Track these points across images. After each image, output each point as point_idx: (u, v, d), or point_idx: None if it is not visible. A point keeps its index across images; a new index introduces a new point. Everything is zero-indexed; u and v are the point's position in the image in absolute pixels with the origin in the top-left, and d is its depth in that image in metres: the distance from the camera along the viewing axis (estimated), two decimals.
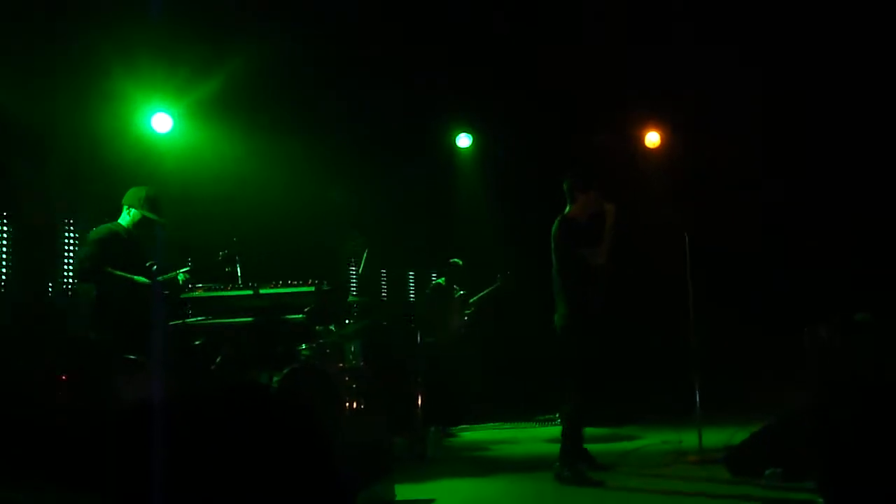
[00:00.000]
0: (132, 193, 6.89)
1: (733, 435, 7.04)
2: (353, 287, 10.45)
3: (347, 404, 7.66)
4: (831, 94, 10.56)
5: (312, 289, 6.94)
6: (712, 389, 7.95)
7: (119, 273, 6.56)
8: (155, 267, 6.91)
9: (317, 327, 7.81)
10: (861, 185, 10.82)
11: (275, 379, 6.89)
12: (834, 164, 10.91)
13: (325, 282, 7.12)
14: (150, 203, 6.87)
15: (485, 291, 10.92)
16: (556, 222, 7.04)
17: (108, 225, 6.82)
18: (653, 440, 8.38)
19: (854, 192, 10.87)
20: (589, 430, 8.14)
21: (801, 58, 10.36)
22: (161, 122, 9.44)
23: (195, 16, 8.65)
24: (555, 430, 8.37)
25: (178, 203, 8.98)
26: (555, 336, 6.98)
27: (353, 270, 11.04)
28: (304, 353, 7.69)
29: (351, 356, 8.36)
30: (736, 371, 10.34)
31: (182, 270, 7.09)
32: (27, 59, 7.89)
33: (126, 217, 6.86)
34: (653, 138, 12.06)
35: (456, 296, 10.74)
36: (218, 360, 7.09)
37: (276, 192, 9.74)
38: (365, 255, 9.07)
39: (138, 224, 6.86)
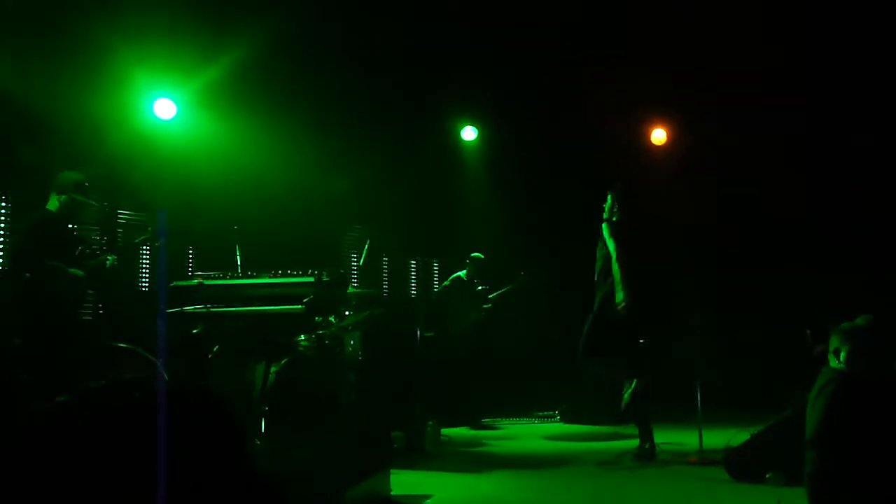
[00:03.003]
0: (61, 178, 6.84)
1: (733, 436, 6.98)
2: (354, 278, 10.40)
3: (345, 396, 7.61)
4: (840, 89, 10.46)
5: (312, 279, 6.88)
6: (714, 389, 7.90)
7: (54, 263, 6.52)
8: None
9: (316, 318, 7.75)
10: (869, 185, 10.74)
11: (273, 369, 6.83)
12: (842, 162, 10.83)
13: (325, 272, 7.06)
14: (79, 187, 6.84)
15: (505, 288, 10.88)
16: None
17: (40, 211, 6.79)
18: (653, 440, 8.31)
19: (861, 192, 10.79)
20: (591, 429, 8.11)
21: (806, 54, 10.27)
22: (164, 107, 9.34)
23: None
24: (552, 427, 8.34)
25: (180, 190, 8.95)
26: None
27: (354, 261, 11.01)
28: (302, 344, 7.63)
29: (350, 348, 8.31)
30: (739, 370, 10.28)
31: (111, 257, 7.06)
32: (29, 39, 7.82)
33: (55, 202, 6.81)
34: (659, 135, 11.99)
35: (476, 290, 10.72)
36: (215, 349, 7.03)
37: (279, 181, 9.66)
38: (367, 246, 9.01)
39: (68, 209, 6.83)
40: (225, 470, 2.76)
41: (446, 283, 10.96)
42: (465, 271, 10.79)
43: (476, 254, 10.77)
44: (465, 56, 10.44)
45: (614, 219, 7.87)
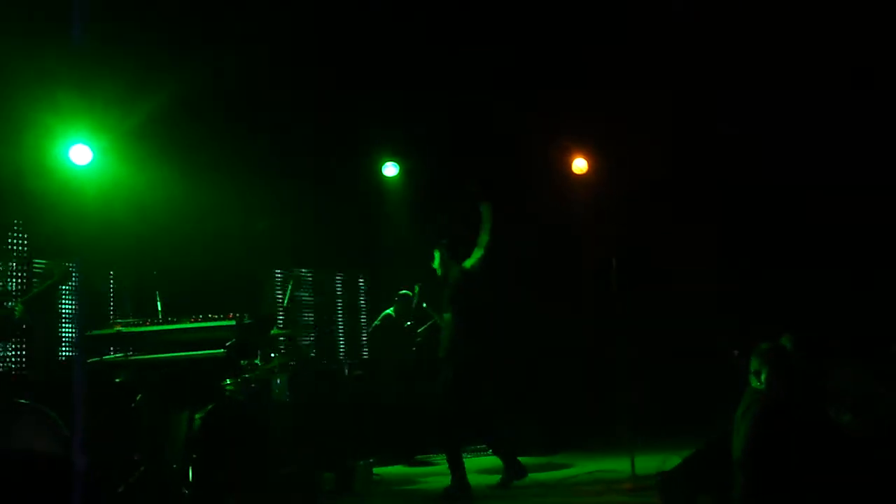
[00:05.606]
0: None
1: (665, 461, 7.00)
2: (280, 319, 10.28)
3: (274, 439, 7.49)
4: (760, 115, 10.65)
5: (234, 322, 6.79)
6: (644, 414, 7.94)
7: None
8: None
9: (242, 361, 7.63)
10: (788, 205, 10.91)
11: (197, 416, 6.70)
12: (759, 184, 11.01)
13: (247, 315, 6.98)
14: None
15: (430, 322, 10.85)
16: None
17: None
18: (586, 468, 8.30)
19: (783, 212, 10.96)
20: (525, 460, 8.09)
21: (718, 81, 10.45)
22: (80, 153, 9.16)
23: (116, 47, 8.47)
24: (487, 461, 8.29)
25: (97, 237, 8.78)
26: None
27: (279, 303, 10.89)
28: (228, 388, 7.50)
29: (277, 390, 8.19)
30: (668, 395, 10.34)
31: (20, 302, 6.93)
32: None
33: None
34: (580, 164, 12.06)
35: (405, 326, 10.67)
36: (138, 398, 6.88)
37: (198, 224, 9.54)
38: (290, 286, 8.94)
39: None
40: None
41: (377, 322, 10.93)
42: (392, 308, 10.78)
43: (404, 291, 10.75)
44: (385, 92, 10.43)
45: (450, 273, 7.98)
